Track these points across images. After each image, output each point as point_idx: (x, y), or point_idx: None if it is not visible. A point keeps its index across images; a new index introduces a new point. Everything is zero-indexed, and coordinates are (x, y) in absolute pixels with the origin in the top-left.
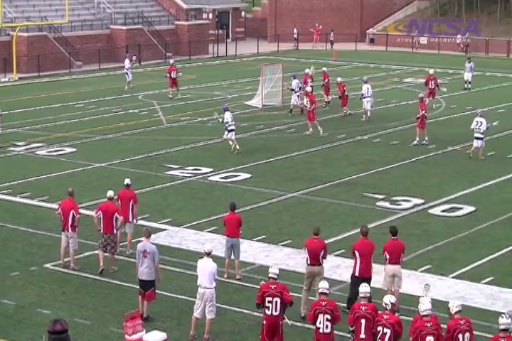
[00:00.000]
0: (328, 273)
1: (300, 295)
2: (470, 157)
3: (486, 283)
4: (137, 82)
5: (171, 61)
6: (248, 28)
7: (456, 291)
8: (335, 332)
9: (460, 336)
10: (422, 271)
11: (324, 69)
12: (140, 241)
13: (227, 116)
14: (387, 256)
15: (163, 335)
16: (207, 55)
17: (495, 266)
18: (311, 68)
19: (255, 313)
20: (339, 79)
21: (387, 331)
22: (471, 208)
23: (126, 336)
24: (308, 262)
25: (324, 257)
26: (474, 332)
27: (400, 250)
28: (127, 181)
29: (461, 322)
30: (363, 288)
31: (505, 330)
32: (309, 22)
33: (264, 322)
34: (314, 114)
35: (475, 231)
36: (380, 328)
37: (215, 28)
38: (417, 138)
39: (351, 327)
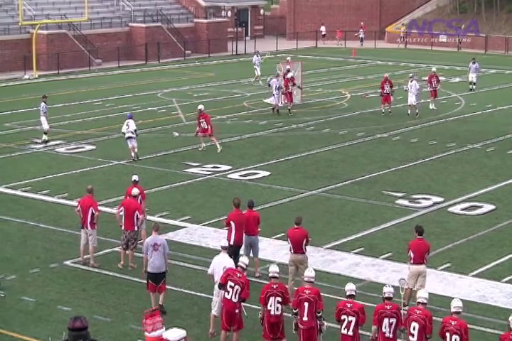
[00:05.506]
0: (347, 271)
1: None
2: None
3: (506, 282)
4: (155, 80)
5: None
6: (267, 26)
7: (476, 290)
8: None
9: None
10: (441, 270)
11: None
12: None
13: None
14: (412, 255)
15: (183, 333)
16: (226, 52)
17: None
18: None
19: None
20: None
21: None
22: (491, 207)
23: (146, 333)
24: (292, 251)
25: (306, 245)
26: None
27: (424, 250)
28: (135, 177)
29: (387, 307)
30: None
31: None
32: (328, 20)
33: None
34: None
35: (495, 230)
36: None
37: (233, 25)
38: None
39: (295, 309)
